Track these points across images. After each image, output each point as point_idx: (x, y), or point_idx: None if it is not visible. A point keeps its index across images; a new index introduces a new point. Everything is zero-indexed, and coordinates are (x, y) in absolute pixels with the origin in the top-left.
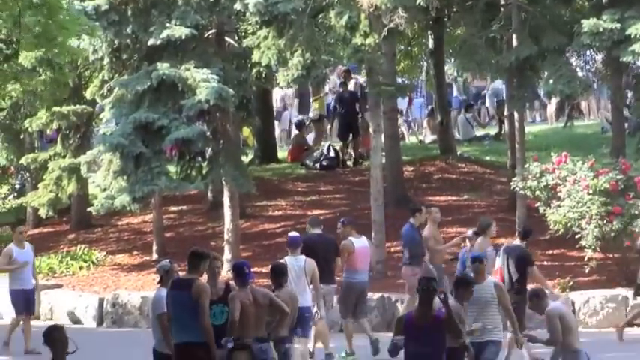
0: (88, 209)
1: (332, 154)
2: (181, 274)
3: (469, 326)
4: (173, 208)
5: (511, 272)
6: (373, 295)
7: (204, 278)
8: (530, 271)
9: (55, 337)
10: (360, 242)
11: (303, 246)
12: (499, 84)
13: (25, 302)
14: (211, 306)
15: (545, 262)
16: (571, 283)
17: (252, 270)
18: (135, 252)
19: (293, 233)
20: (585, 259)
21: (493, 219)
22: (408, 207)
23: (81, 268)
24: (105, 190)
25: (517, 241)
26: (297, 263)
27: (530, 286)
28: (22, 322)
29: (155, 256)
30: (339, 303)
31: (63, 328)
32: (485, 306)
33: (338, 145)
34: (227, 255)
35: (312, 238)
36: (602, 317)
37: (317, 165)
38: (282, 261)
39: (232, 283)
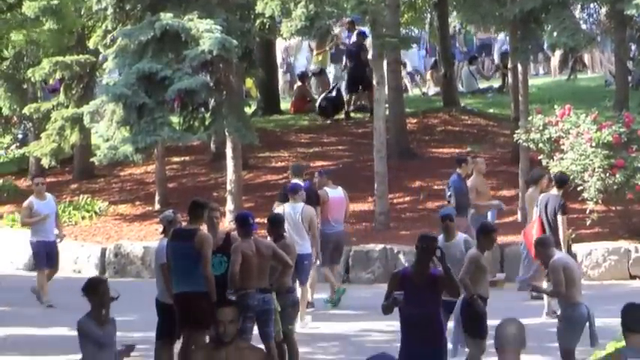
0: (91, 159)
1: (334, 93)
2: (184, 224)
3: (492, 276)
4: (176, 159)
5: (550, 221)
6: (376, 247)
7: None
8: (559, 219)
9: (100, 290)
10: (334, 193)
11: (283, 194)
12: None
13: (46, 255)
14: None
15: None
16: (573, 236)
17: (255, 221)
18: (137, 202)
19: (295, 181)
20: (588, 212)
21: (497, 171)
22: (410, 158)
23: (83, 218)
24: (108, 140)
25: (554, 191)
26: (294, 211)
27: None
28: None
29: (157, 206)
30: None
31: (107, 281)
32: (456, 264)
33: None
34: (229, 206)
35: (289, 187)
36: (605, 270)
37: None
38: (278, 210)
39: (233, 233)
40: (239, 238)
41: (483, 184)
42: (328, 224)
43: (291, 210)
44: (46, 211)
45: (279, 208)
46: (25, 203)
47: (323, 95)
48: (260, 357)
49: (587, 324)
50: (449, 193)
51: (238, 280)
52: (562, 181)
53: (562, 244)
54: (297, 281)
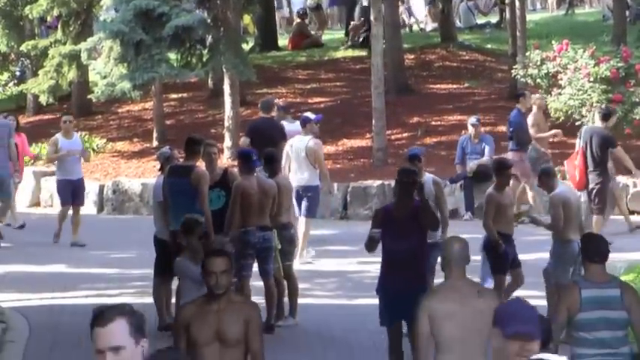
0: (89, 96)
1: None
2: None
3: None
4: (173, 96)
5: (594, 153)
6: (373, 183)
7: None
8: (613, 152)
9: (196, 231)
10: (292, 127)
11: (250, 129)
12: None
13: (70, 193)
14: (208, 191)
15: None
16: None
17: (257, 157)
18: (135, 139)
19: (306, 113)
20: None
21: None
22: (408, 94)
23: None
24: (105, 77)
25: (598, 123)
26: (301, 143)
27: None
28: (70, 214)
29: (155, 143)
30: None
31: (202, 223)
32: None
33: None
34: (227, 142)
35: (258, 122)
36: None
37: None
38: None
39: (231, 169)
40: (239, 174)
41: (543, 121)
42: None
43: (298, 142)
44: (70, 149)
45: (289, 141)
46: (51, 140)
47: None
48: (253, 311)
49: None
50: (511, 128)
51: (239, 217)
52: (606, 114)
53: (634, 170)
54: (300, 213)
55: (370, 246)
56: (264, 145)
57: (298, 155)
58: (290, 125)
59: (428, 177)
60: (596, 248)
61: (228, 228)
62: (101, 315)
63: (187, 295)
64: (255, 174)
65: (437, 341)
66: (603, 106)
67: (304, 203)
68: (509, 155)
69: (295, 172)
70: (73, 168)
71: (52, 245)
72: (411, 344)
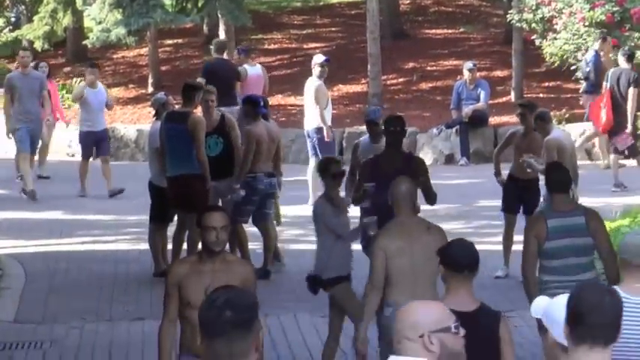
0: (84, 42)
1: None
2: (177, 106)
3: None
4: (169, 42)
5: (622, 93)
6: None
7: (198, 111)
8: (630, 91)
9: (331, 169)
10: (253, 70)
11: (205, 70)
12: None
13: (93, 145)
14: (206, 137)
15: (541, 95)
16: (567, 115)
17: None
18: (130, 85)
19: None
20: (581, 91)
21: (491, 51)
22: (403, 39)
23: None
24: (100, 22)
25: (623, 64)
26: (307, 87)
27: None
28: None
29: (151, 89)
30: None
31: (340, 161)
32: None
33: None
34: None
35: (213, 63)
36: (598, 149)
37: None
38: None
39: (228, 115)
40: (246, 120)
41: (610, 64)
42: None
43: (306, 86)
44: (96, 99)
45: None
46: (79, 86)
47: None
48: (249, 271)
49: None
50: (587, 69)
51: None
52: (630, 54)
53: (629, 116)
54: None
55: (358, 200)
56: (219, 85)
57: (305, 98)
58: (251, 69)
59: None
60: (558, 178)
61: (240, 175)
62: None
63: (323, 246)
64: (261, 120)
65: (389, 275)
66: (626, 47)
67: (315, 145)
68: (583, 97)
69: (307, 114)
70: (97, 118)
71: (47, 192)
72: None
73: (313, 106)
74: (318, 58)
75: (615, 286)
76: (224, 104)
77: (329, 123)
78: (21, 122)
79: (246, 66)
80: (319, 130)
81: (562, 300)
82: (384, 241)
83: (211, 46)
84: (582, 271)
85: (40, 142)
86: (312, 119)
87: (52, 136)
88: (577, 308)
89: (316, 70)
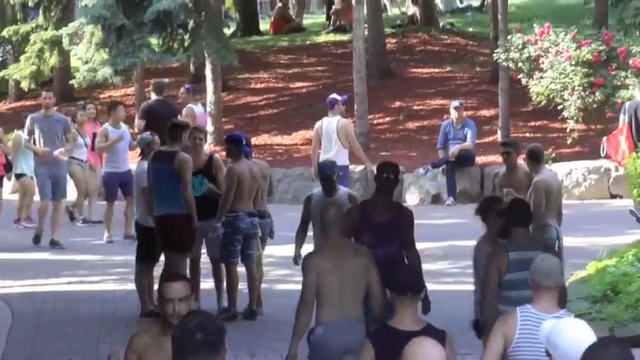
0: (70, 82)
1: None
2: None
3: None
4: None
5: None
6: (355, 168)
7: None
8: None
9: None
10: (197, 109)
11: (144, 112)
12: None
13: (120, 186)
14: (192, 177)
15: (527, 134)
16: (553, 155)
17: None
18: None
19: (332, 95)
20: (567, 131)
21: (477, 90)
22: (390, 78)
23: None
24: (87, 62)
25: (639, 97)
26: (330, 125)
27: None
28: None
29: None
30: None
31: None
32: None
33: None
34: (209, 128)
35: (151, 104)
36: (585, 189)
37: None
38: (319, 121)
39: (216, 155)
40: (229, 159)
41: None
42: None
43: (327, 124)
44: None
45: (318, 123)
46: (101, 130)
47: None
48: None
49: (556, 246)
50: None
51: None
52: None
53: None
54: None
55: None
56: (159, 127)
57: (329, 136)
58: (196, 108)
59: (343, 190)
60: (520, 213)
61: (221, 213)
62: None
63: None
64: (244, 159)
65: (319, 294)
66: None
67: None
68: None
69: (327, 153)
70: (122, 159)
71: (31, 232)
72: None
73: (344, 144)
74: (339, 97)
75: (528, 305)
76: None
77: None
78: (42, 166)
79: (191, 105)
80: (347, 168)
81: (564, 325)
82: (315, 262)
83: (150, 87)
84: None
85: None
86: (343, 156)
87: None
88: None
89: (341, 108)
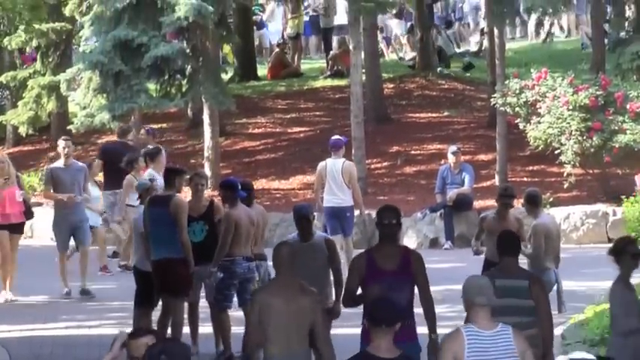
0: (68, 127)
1: None
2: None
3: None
4: (153, 126)
5: None
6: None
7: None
8: None
9: None
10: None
11: (102, 152)
12: None
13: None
14: (192, 223)
15: (525, 179)
16: (551, 199)
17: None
18: None
19: (336, 137)
20: (565, 175)
21: (475, 135)
22: (387, 123)
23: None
24: (84, 107)
25: None
26: (335, 166)
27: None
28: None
29: None
30: None
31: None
32: (317, 268)
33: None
34: (207, 172)
35: (108, 146)
36: (583, 233)
37: None
38: (321, 164)
39: (217, 201)
40: (226, 205)
41: None
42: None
43: (332, 165)
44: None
45: (321, 163)
46: (127, 181)
47: None
48: None
49: (556, 290)
50: None
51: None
52: None
53: None
54: (342, 233)
55: (351, 303)
56: (114, 168)
57: (334, 177)
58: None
59: (320, 235)
60: (509, 244)
61: (218, 258)
62: None
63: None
64: (240, 204)
65: (265, 329)
66: None
67: (343, 224)
68: None
69: (332, 193)
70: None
71: (32, 276)
72: None
73: (348, 186)
74: (344, 139)
75: (470, 324)
76: (113, 187)
77: None
78: (62, 218)
79: (150, 146)
80: (353, 209)
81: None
82: (262, 297)
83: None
84: (523, 329)
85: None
86: (350, 198)
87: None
88: None
89: (344, 150)
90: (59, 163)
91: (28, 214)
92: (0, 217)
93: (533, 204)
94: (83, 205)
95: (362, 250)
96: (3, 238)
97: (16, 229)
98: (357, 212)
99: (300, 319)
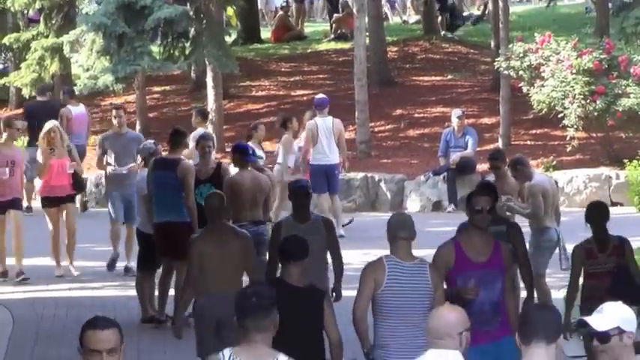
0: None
1: None
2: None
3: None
4: (156, 89)
5: None
6: (357, 175)
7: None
8: None
9: None
10: (77, 110)
11: (25, 112)
12: None
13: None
14: (199, 185)
15: (528, 142)
16: (554, 163)
17: (252, 152)
18: None
19: (320, 95)
20: (568, 139)
21: (478, 99)
22: (391, 86)
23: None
24: (88, 70)
25: None
26: (325, 123)
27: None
28: None
29: None
30: None
31: None
32: (317, 251)
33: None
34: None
35: (32, 105)
36: (586, 196)
37: None
38: (310, 121)
39: (224, 163)
40: (236, 168)
41: None
42: (73, 137)
43: (322, 123)
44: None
45: (310, 121)
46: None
47: None
48: None
49: (558, 248)
50: None
51: (231, 212)
52: None
53: None
54: (328, 191)
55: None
56: (39, 126)
57: (326, 135)
58: (75, 109)
59: (317, 217)
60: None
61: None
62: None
63: None
64: (249, 168)
65: (201, 272)
66: None
67: (332, 181)
68: None
69: (322, 152)
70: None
71: (34, 239)
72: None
73: (336, 142)
74: (327, 100)
75: (388, 254)
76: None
77: None
78: (114, 188)
79: (69, 107)
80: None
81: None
82: (198, 243)
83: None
84: None
85: None
86: (336, 156)
87: None
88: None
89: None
90: (111, 132)
91: (79, 186)
92: (46, 188)
93: (523, 165)
94: (134, 177)
95: (376, 216)
96: (51, 216)
97: (65, 200)
98: (362, 175)
99: (233, 261)
